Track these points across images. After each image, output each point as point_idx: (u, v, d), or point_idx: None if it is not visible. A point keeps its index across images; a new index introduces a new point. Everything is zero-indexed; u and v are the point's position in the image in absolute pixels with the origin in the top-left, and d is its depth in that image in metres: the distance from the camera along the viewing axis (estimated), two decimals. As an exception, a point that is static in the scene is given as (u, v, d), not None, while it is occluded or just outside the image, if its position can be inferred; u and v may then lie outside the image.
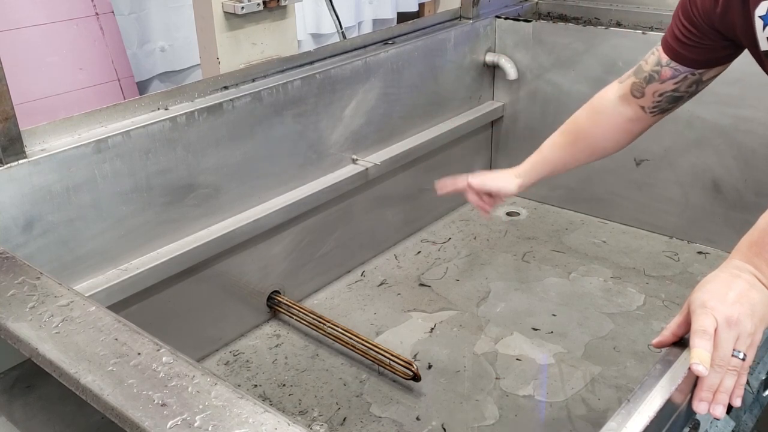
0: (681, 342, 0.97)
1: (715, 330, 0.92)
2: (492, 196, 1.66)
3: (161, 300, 1.72)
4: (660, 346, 0.99)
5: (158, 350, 0.90)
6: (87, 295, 1.29)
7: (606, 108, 1.48)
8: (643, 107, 1.43)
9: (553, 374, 1.81)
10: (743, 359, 0.92)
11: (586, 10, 2.69)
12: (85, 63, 2.72)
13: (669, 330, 0.99)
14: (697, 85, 1.37)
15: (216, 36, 2.03)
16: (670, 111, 1.43)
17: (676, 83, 1.36)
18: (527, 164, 1.62)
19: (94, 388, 0.84)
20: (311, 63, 2.04)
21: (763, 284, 0.97)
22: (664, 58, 1.36)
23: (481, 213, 1.73)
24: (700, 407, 0.91)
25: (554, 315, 2.04)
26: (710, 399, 0.91)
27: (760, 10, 1.12)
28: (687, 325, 0.96)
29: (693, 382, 0.93)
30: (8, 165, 1.41)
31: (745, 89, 2.10)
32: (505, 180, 1.63)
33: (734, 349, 0.92)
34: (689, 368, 0.89)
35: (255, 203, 1.90)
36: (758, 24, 1.13)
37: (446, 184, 1.70)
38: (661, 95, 1.39)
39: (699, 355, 0.90)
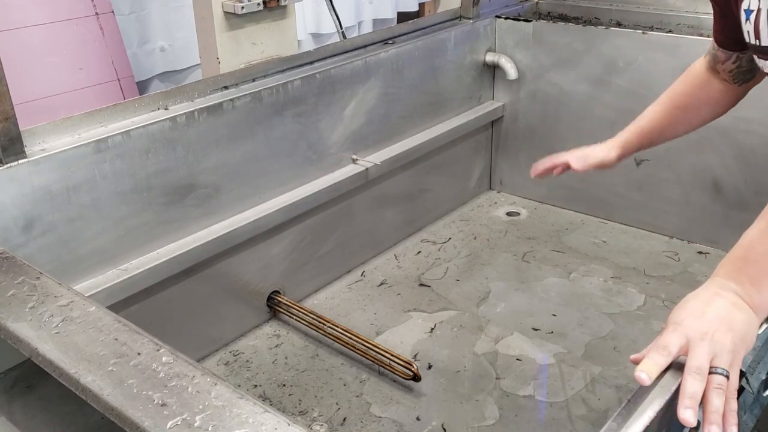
0: None
1: (689, 343, 0.90)
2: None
3: (161, 300, 1.72)
4: (638, 362, 0.96)
5: (158, 350, 0.90)
6: (87, 295, 1.29)
7: (699, 79, 1.49)
8: (725, 79, 1.44)
9: (553, 374, 1.81)
10: (727, 376, 0.89)
11: (586, 10, 2.69)
12: (85, 63, 2.72)
13: (649, 349, 0.96)
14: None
15: (216, 36, 2.03)
16: (757, 80, 1.42)
17: (733, 63, 1.38)
18: (624, 134, 1.59)
19: (94, 388, 0.84)
20: (311, 63, 2.04)
21: (746, 302, 0.95)
22: (715, 44, 1.38)
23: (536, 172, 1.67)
24: (686, 414, 0.87)
25: (554, 315, 2.04)
26: (695, 407, 0.87)
27: (744, 5, 1.14)
28: None
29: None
30: (8, 165, 1.41)
31: (745, 89, 2.10)
32: (605, 151, 1.60)
33: (715, 366, 0.89)
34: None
35: (255, 203, 1.90)
36: (743, 17, 1.15)
37: (540, 168, 1.66)
38: (731, 71, 1.41)
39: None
